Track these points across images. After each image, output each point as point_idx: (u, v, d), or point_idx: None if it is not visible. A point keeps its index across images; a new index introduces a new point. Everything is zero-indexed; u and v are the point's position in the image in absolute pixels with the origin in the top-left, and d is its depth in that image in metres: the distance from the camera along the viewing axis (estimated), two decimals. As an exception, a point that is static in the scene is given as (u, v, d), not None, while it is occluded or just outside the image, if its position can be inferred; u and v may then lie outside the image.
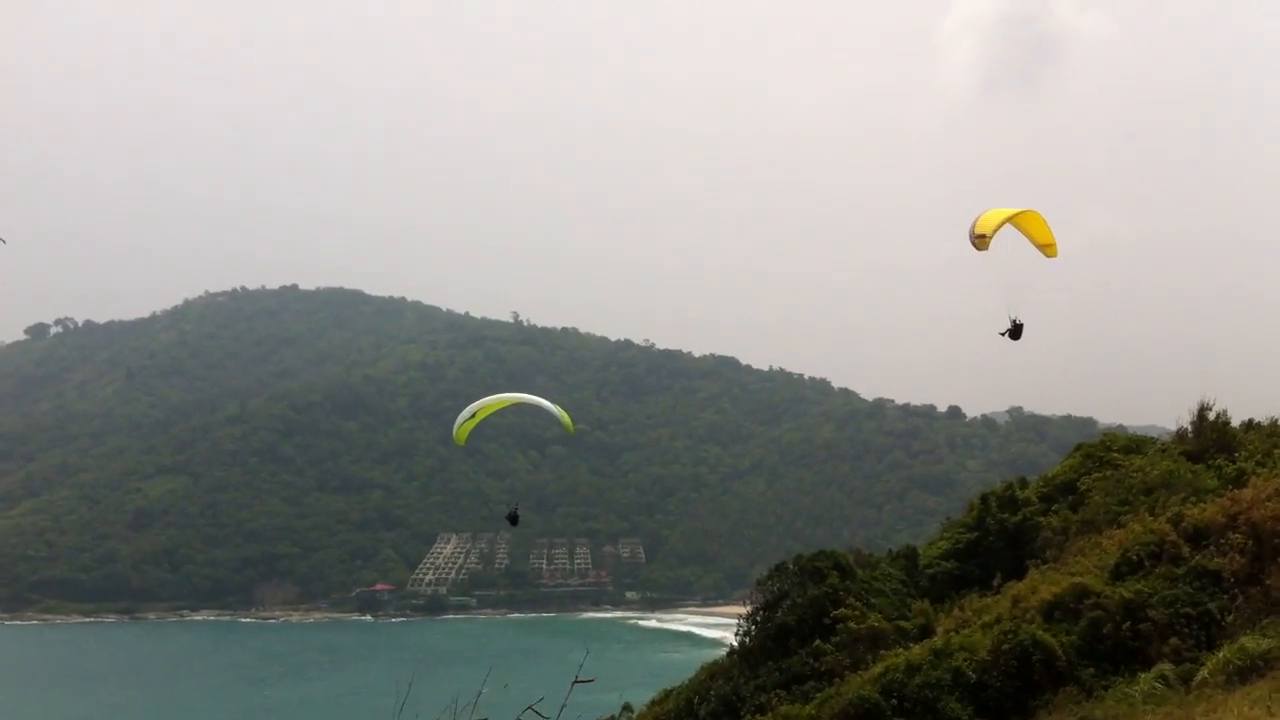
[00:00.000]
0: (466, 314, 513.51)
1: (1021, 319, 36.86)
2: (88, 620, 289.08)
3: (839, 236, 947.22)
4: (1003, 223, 35.56)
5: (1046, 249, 36.64)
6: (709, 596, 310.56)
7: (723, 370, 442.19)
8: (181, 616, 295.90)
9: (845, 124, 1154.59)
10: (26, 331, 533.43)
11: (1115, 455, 52.01)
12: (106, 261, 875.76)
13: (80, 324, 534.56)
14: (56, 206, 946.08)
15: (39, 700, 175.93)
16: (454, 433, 43.16)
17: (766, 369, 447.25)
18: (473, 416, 43.05)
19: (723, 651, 56.29)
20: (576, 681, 10.52)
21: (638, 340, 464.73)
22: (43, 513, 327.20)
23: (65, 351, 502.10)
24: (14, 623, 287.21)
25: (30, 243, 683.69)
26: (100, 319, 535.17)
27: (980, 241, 35.23)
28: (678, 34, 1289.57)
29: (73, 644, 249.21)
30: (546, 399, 44.43)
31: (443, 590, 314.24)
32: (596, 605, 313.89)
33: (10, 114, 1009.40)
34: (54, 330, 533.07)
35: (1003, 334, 37.09)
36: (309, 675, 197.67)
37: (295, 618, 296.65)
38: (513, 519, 47.58)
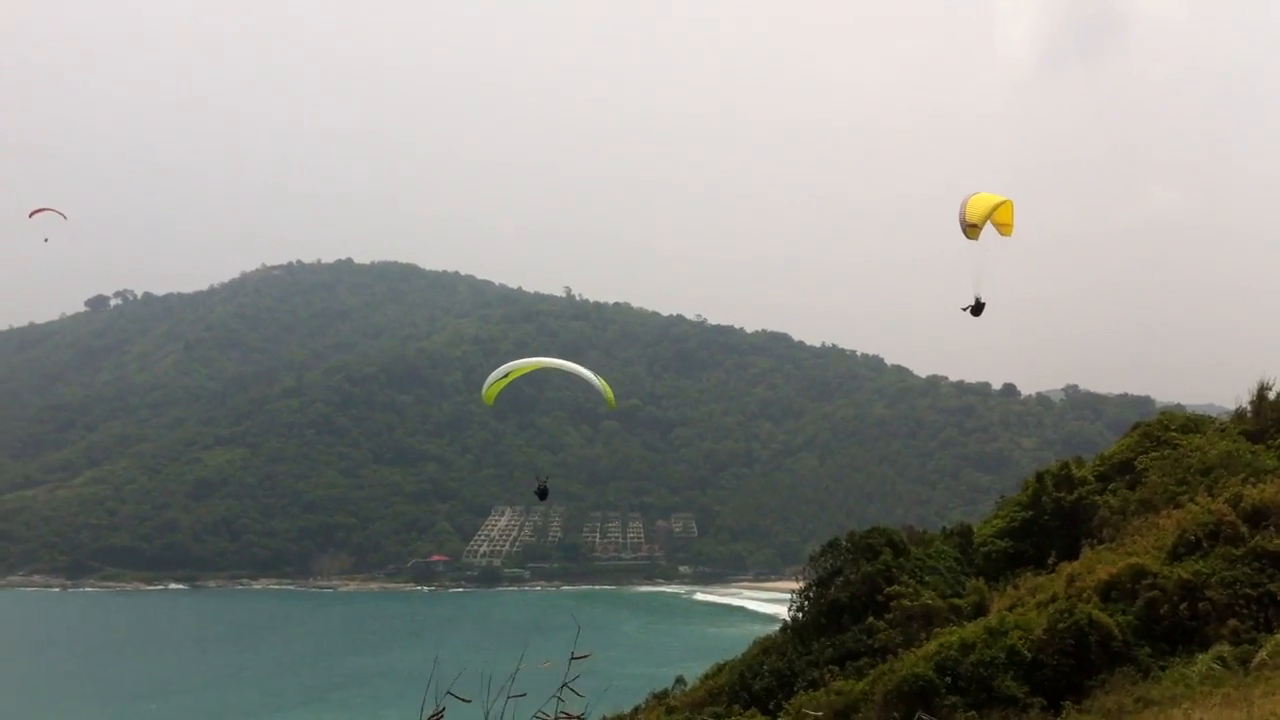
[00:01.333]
0: (519, 288, 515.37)
1: (984, 298, 38.41)
2: (149, 588, 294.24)
3: (894, 216, 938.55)
4: (991, 210, 36.82)
5: (1003, 228, 37.87)
6: (761, 572, 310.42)
7: (775, 346, 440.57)
8: (241, 585, 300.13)
9: (901, 102, 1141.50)
10: (87, 303, 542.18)
11: (1173, 434, 51.57)
12: (165, 235, 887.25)
13: (139, 296, 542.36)
14: (117, 182, 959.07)
15: (135, 664, 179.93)
16: (483, 391, 41.83)
17: (819, 345, 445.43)
18: (504, 377, 41.76)
19: (775, 627, 56.50)
20: (574, 658, 10.61)
21: (690, 315, 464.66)
22: (104, 482, 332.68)
23: (125, 323, 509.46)
24: (76, 589, 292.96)
25: (90, 216, 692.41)
26: (159, 292, 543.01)
27: (971, 231, 36.63)
28: (728, 18, 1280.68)
29: (146, 610, 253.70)
30: (598, 374, 43.62)
31: (497, 562, 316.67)
32: (649, 579, 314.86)
33: (78, 95, 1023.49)
34: (114, 302, 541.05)
35: (965, 309, 38.56)
36: (385, 645, 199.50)
37: (352, 587, 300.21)
38: (541, 493, 46.21)
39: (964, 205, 37.58)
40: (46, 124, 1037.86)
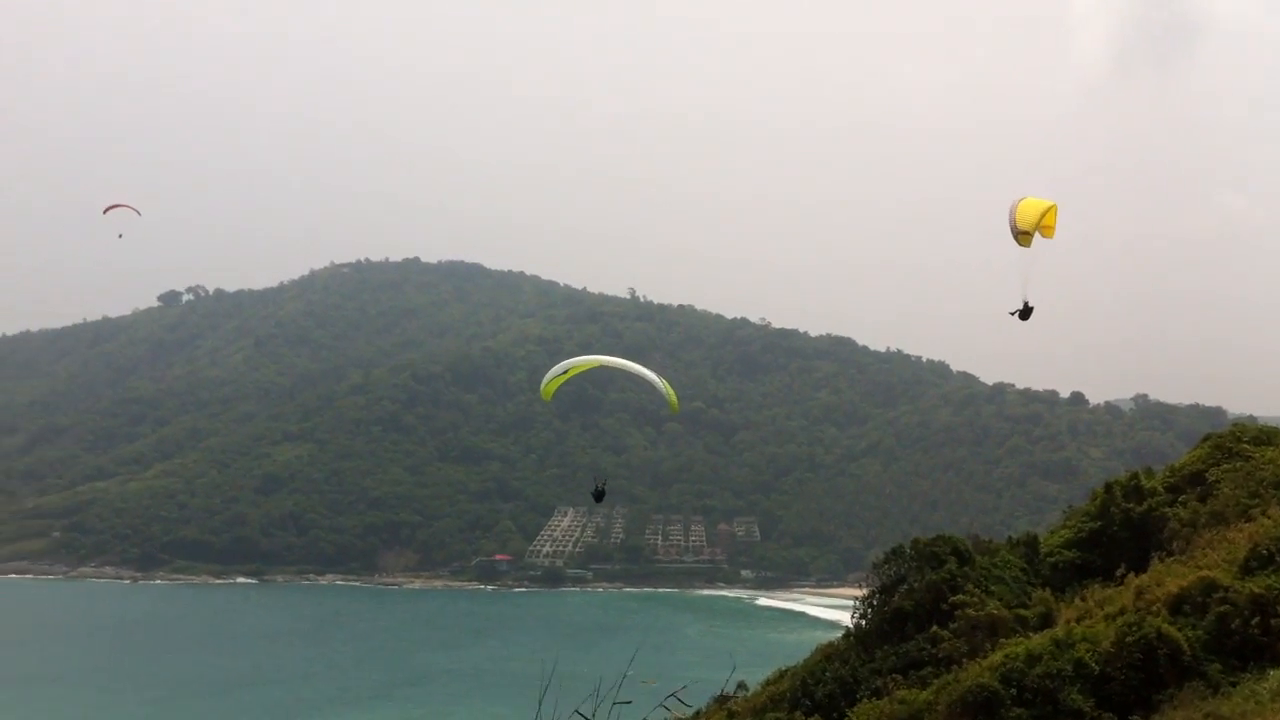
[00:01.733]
0: (584, 289, 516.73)
1: (1032, 303, 38.79)
2: (218, 581, 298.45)
3: (959, 221, 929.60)
4: (1041, 216, 37.06)
5: (1046, 230, 37.92)
6: (823, 578, 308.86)
7: (839, 350, 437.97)
8: (308, 580, 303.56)
9: (969, 107, 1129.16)
10: (160, 299, 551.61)
11: (1245, 446, 50.82)
12: (237, 233, 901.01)
13: (211, 292, 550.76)
14: (190, 183, 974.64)
15: (211, 658, 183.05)
16: (542, 386, 41.07)
17: (884, 350, 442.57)
18: (564, 373, 41.19)
19: (837, 633, 56.37)
20: (671, 695, 10.84)
21: (753, 318, 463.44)
22: (174, 475, 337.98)
23: (196, 319, 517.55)
24: (147, 582, 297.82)
25: (164, 213, 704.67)
26: (230, 288, 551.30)
27: (1024, 238, 36.97)
28: (796, 22, 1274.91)
29: (219, 604, 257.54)
30: (662, 376, 43.08)
31: (560, 562, 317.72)
32: (710, 582, 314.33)
33: (154, 100, 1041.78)
34: (186, 298, 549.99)
35: (1013, 314, 39.08)
36: (455, 643, 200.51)
37: (417, 585, 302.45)
38: (598, 495, 45.44)
39: (1013, 212, 37.76)
40: (125, 126, 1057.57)
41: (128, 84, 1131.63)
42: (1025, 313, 39.22)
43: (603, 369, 45.04)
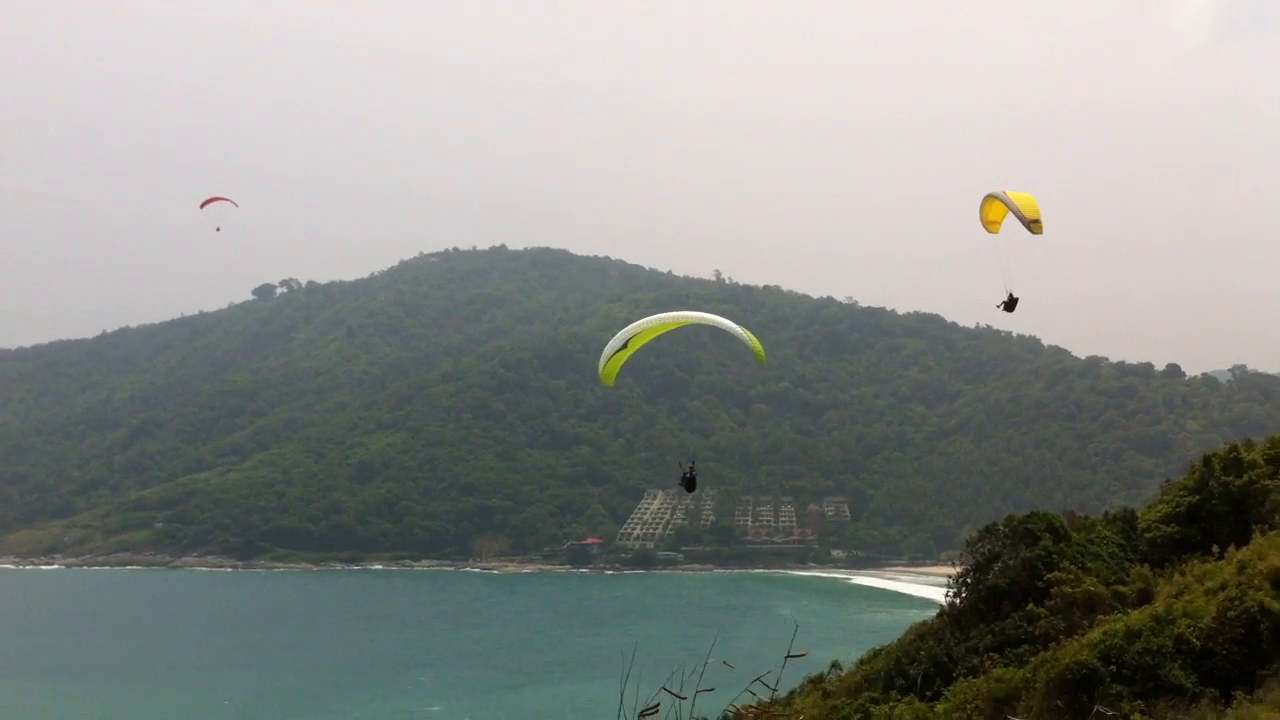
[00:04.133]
0: (669, 272, 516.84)
1: (1016, 294, 39.27)
2: (316, 569, 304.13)
3: (1048, 197, 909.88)
4: (1009, 207, 37.75)
5: (1034, 225, 38.01)
6: (916, 556, 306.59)
7: (927, 328, 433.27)
8: (403, 566, 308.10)
9: (1059, 80, 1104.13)
10: (254, 292, 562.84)
11: (1351, 418, 49.67)
12: (329, 226, 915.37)
13: (304, 285, 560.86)
14: (285, 179, 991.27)
15: (366, 640, 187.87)
16: (600, 369, 36.33)
17: (973, 326, 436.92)
18: (623, 348, 36.01)
19: (931, 612, 56.14)
20: (789, 656, 11.00)
21: (840, 297, 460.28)
22: (272, 465, 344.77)
23: (290, 311, 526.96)
24: (248, 570, 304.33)
25: (258, 208, 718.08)
26: (322, 280, 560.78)
27: (992, 226, 37.60)
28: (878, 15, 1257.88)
29: (340, 590, 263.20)
30: (749, 357, 41.40)
31: (650, 545, 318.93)
32: (802, 563, 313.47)
33: (253, 102, 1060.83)
34: (280, 291, 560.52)
35: (998, 306, 39.35)
36: (583, 628, 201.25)
37: (510, 569, 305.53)
38: (689, 483, 39.91)
39: (982, 206, 38.59)
40: (221, 127, 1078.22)
41: (222, 87, 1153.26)
42: (1010, 304, 39.58)
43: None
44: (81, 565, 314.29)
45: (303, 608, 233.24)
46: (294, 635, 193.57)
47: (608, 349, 35.80)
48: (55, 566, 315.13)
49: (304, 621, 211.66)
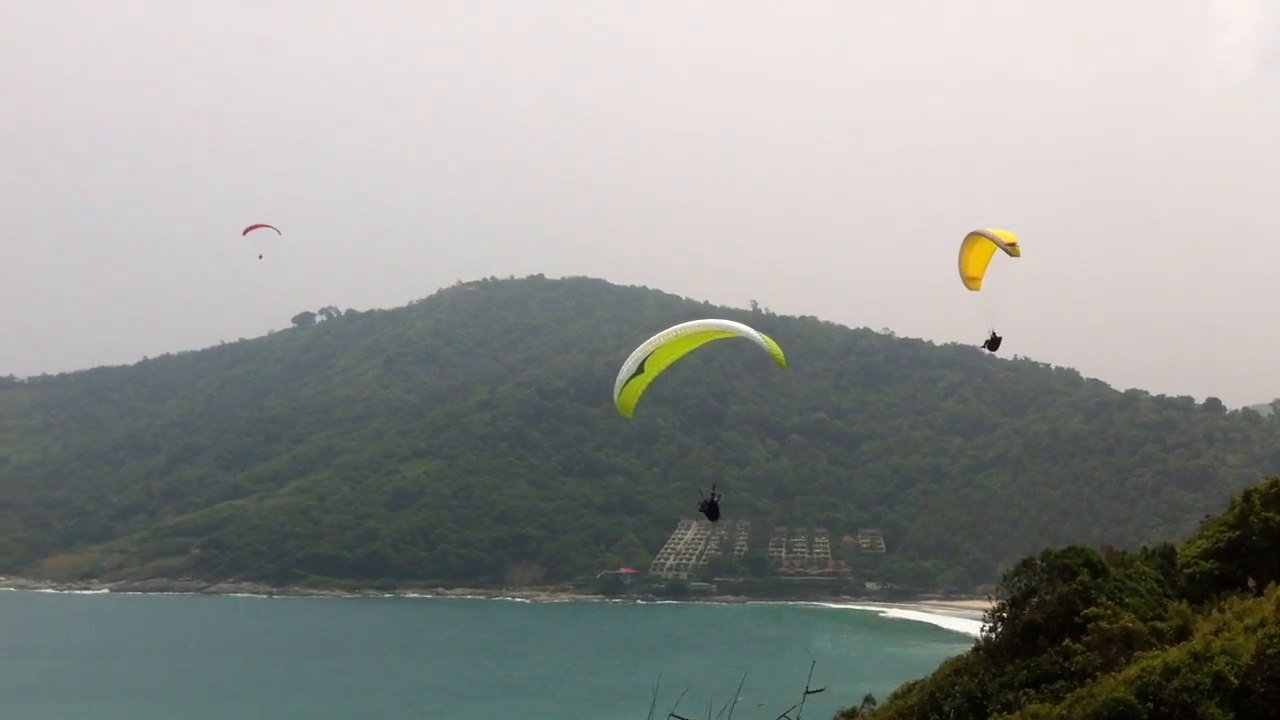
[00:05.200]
0: (705, 302, 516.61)
1: (1000, 332, 40.03)
2: (350, 596, 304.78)
3: (1089, 227, 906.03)
4: (987, 259, 38.38)
5: (1011, 248, 38.46)
6: (951, 590, 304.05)
7: (964, 359, 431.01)
8: (436, 594, 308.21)
9: (1105, 107, 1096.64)
10: (294, 320, 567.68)
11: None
12: (367, 255, 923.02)
13: (343, 313, 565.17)
14: (324, 206, 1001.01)
15: (438, 668, 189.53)
16: (616, 398, 33.33)
17: (1010, 358, 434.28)
18: (640, 372, 32.85)
19: (966, 647, 55.76)
20: (808, 693, 11.06)
21: (876, 328, 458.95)
22: (308, 492, 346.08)
23: (329, 339, 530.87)
24: (283, 596, 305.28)
25: (298, 236, 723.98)
26: (361, 308, 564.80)
27: (972, 283, 38.24)
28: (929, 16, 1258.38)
29: (385, 618, 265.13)
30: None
31: (683, 575, 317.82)
32: (835, 595, 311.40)
33: (295, 131, 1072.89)
34: (319, 319, 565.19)
35: (982, 347, 40.67)
36: (635, 657, 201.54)
37: (544, 598, 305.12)
38: (710, 510, 37.00)
39: (961, 260, 38.97)
40: (265, 157, 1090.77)
41: (267, 119, 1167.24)
42: (993, 343, 40.21)
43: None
44: (119, 590, 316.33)
45: (347, 635, 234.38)
46: (343, 662, 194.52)
47: (622, 374, 33.02)
48: (93, 592, 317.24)
49: (351, 648, 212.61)
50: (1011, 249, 37.85)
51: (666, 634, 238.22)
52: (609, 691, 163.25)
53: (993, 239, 38.28)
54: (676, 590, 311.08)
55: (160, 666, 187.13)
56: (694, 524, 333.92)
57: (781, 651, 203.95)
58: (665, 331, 33.55)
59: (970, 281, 39.20)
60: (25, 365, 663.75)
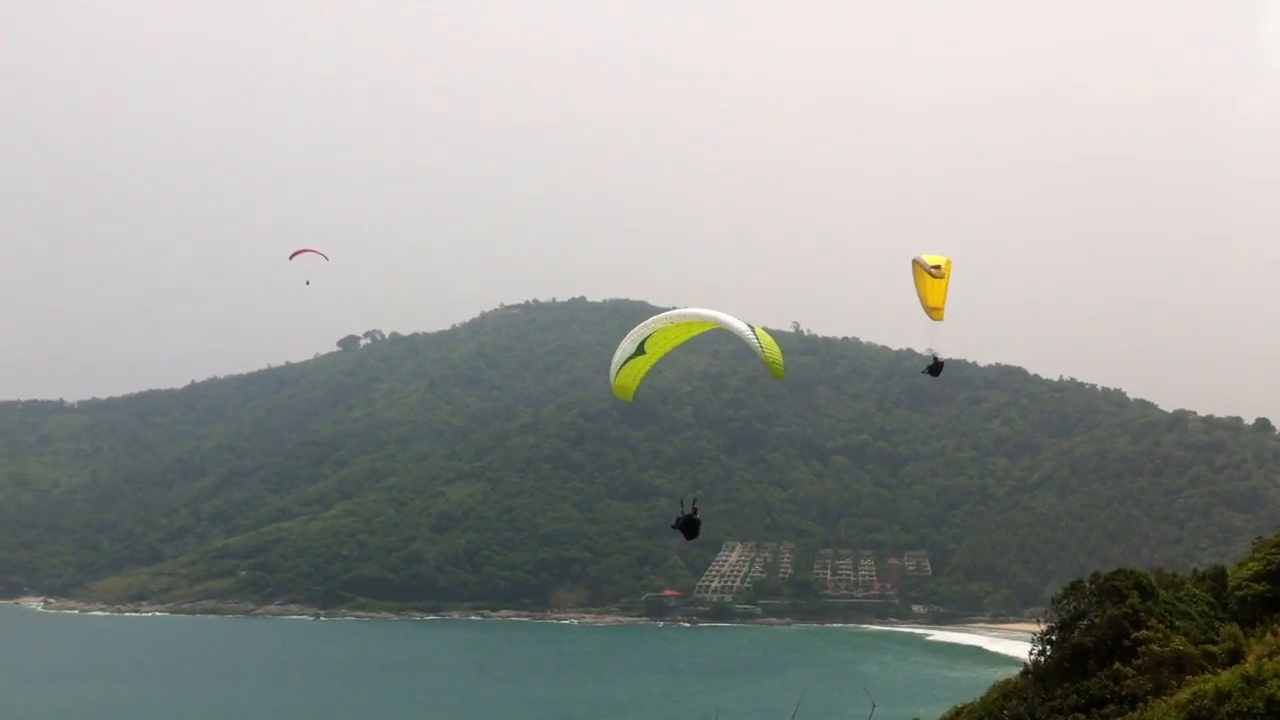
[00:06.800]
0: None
1: (942, 357, 42.58)
2: (396, 618, 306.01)
3: (1136, 250, 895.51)
4: (945, 291, 39.54)
5: (935, 270, 39.69)
6: (999, 613, 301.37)
7: (1009, 380, 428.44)
8: (483, 616, 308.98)
9: (1159, 130, 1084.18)
10: (339, 343, 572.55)
11: None
12: (412, 276, 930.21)
13: (387, 336, 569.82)
14: (368, 228, 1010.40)
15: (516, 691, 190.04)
16: (612, 382, 31.89)
17: (1057, 379, 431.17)
18: (639, 353, 31.34)
19: (1014, 670, 55.56)
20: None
21: (920, 349, 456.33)
22: (354, 515, 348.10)
23: (374, 362, 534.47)
24: (330, 618, 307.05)
25: (344, 259, 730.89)
26: (405, 331, 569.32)
27: (935, 314, 39.44)
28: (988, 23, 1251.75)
29: (446, 641, 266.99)
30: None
31: (728, 598, 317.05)
32: (881, 618, 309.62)
33: (341, 155, 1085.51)
34: (364, 342, 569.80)
35: (924, 371, 43.48)
36: (718, 679, 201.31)
37: (588, 620, 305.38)
38: (686, 527, 33.64)
39: (921, 292, 39.93)
40: (313, 183, 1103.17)
41: (315, 144, 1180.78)
42: (935, 369, 42.70)
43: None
44: (167, 612, 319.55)
45: (424, 657, 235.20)
46: (425, 683, 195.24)
47: (619, 354, 31.49)
48: (142, 614, 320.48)
49: (437, 670, 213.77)
50: (935, 271, 38.58)
51: (729, 657, 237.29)
52: (721, 711, 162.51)
53: (921, 264, 38.99)
54: (721, 613, 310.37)
55: (265, 687, 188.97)
56: (738, 546, 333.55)
57: (832, 674, 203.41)
58: (660, 315, 32.66)
59: (933, 313, 40.04)
60: (75, 389, 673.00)
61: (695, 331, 32.69)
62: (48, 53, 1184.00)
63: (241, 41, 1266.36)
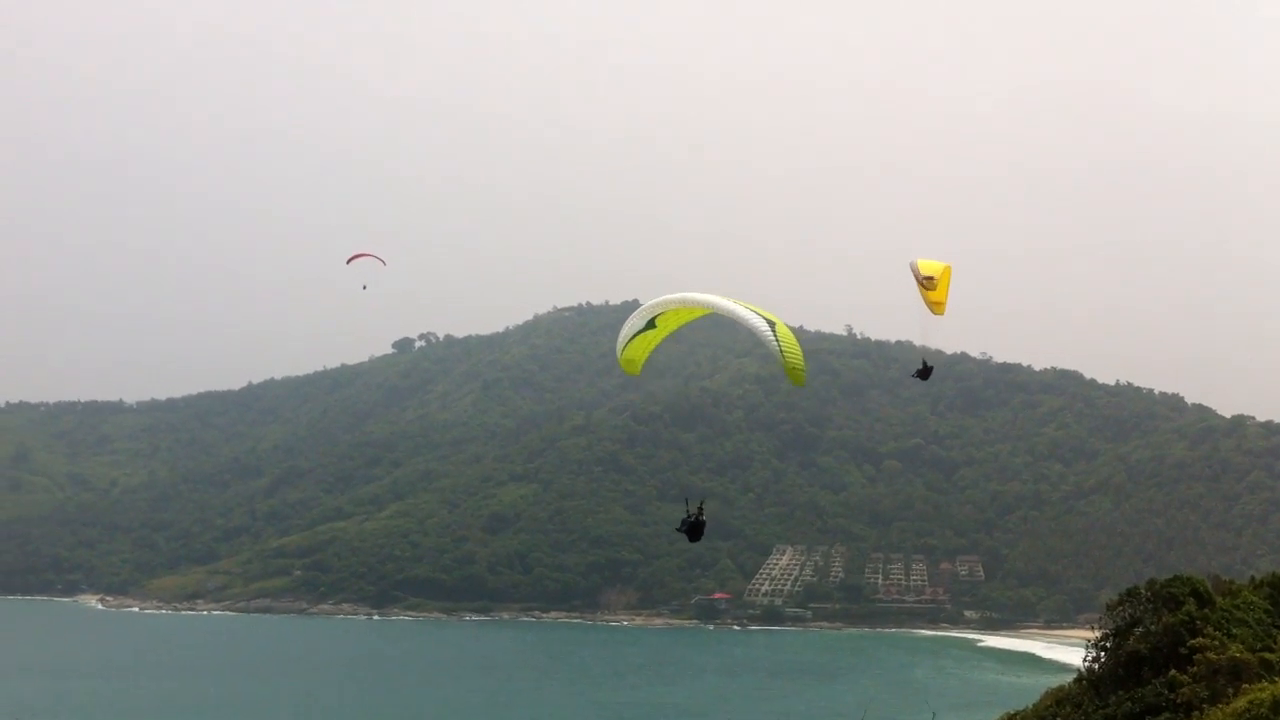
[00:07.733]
0: (800, 327, 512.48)
1: (931, 362, 42.78)
2: (448, 618, 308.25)
3: (1193, 253, 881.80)
4: (947, 282, 39.93)
5: (927, 281, 39.94)
6: (1052, 619, 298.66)
7: (1065, 384, 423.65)
8: (534, 617, 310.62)
9: (1222, 134, 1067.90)
10: (393, 345, 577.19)
11: None
12: (466, 279, 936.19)
13: (441, 339, 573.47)
14: (423, 233, 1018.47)
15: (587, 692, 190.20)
16: (619, 357, 32.07)
17: (1113, 383, 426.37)
18: (650, 326, 30.78)
19: (1068, 677, 55.57)
20: None
21: (974, 353, 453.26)
22: (408, 515, 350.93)
23: (428, 364, 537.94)
24: (383, 618, 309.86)
25: (400, 262, 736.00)
26: (459, 334, 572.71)
27: (938, 308, 39.71)
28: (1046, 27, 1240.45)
29: (506, 640, 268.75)
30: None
31: (778, 601, 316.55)
32: (933, 623, 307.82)
33: (408, 167, 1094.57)
34: (418, 344, 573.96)
35: (914, 375, 43.54)
36: (784, 681, 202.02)
37: (639, 622, 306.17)
38: (690, 529, 33.28)
39: (929, 291, 40.10)
40: (369, 189, 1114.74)
41: (373, 156, 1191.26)
42: (925, 372, 43.08)
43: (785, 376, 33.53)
44: (222, 611, 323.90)
45: (488, 656, 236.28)
46: (485, 684, 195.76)
47: (627, 328, 31.01)
48: (199, 612, 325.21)
49: (500, 670, 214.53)
50: (927, 282, 38.93)
51: (784, 660, 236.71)
52: (789, 713, 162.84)
53: (915, 273, 39.39)
54: (771, 616, 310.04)
55: (329, 686, 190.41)
56: (789, 549, 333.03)
57: (887, 679, 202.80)
58: (674, 295, 31.66)
59: (935, 306, 40.39)
60: (134, 390, 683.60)
61: (707, 311, 31.37)
62: (158, 83, 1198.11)
63: (307, 57, 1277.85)
